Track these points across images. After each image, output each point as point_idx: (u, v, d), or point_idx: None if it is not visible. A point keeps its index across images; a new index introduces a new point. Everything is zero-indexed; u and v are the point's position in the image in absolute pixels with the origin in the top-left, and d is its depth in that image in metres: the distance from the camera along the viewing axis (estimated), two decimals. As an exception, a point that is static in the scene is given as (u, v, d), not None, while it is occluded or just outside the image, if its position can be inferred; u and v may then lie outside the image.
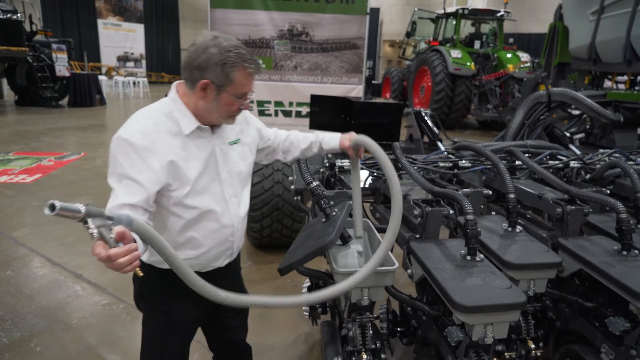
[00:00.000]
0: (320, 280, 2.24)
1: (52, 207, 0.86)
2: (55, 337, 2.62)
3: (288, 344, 2.69)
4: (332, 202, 2.04)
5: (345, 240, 1.95)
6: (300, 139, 1.87)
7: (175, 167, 1.36)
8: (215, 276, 1.55)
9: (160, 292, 1.56)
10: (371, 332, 1.85)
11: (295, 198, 2.63)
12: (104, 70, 20.95)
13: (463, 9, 12.18)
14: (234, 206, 1.54)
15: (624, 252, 1.88)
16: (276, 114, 6.51)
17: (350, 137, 1.78)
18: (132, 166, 1.28)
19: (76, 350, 2.51)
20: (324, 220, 2.00)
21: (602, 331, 1.89)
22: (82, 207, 0.91)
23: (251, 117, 1.71)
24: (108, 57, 21.87)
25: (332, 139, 1.83)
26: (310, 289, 2.49)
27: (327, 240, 1.66)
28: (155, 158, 1.31)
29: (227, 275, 1.67)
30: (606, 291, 1.84)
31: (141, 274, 1.07)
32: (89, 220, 0.94)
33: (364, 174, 2.90)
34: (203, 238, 1.48)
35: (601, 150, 3.12)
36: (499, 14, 12.34)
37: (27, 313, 2.84)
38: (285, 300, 1.44)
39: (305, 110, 7.18)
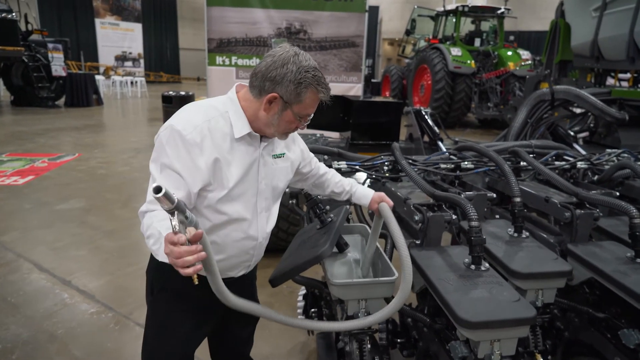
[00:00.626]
0: (316, 289, 2.13)
1: (158, 190, 0.93)
2: (39, 348, 2.50)
3: (283, 353, 2.58)
4: (327, 207, 1.94)
5: (341, 248, 1.84)
6: (335, 182, 1.82)
7: (218, 167, 1.33)
8: (226, 285, 1.48)
9: (169, 291, 1.52)
10: (369, 346, 1.75)
11: (290, 201, 2.52)
12: (101, 69, 20.83)
13: (463, 6, 12.07)
14: (262, 220, 1.51)
15: (638, 260, 1.77)
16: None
17: (379, 199, 1.71)
18: (178, 159, 1.27)
19: (61, 362, 2.40)
20: (318, 227, 1.89)
21: (615, 344, 1.78)
22: (176, 199, 0.97)
23: (297, 136, 1.65)
24: (106, 57, 21.73)
25: (364, 197, 1.77)
26: (305, 297, 2.39)
27: (320, 250, 1.56)
28: (203, 156, 1.29)
29: (239, 287, 1.57)
30: (619, 301, 1.73)
31: (197, 282, 1.09)
32: (176, 213, 0.99)
33: (362, 175, 2.79)
34: (224, 245, 1.44)
35: (608, 150, 3.02)
36: (499, 11, 12.23)
37: (10, 323, 2.72)
38: (302, 323, 1.44)
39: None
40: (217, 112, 1.36)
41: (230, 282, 1.50)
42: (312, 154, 1.76)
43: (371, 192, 1.75)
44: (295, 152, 1.62)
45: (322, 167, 1.81)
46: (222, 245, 1.44)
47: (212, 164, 1.31)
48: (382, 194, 1.72)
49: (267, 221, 1.53)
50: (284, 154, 1.55)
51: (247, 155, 1.40)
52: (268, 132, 1.39)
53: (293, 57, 1.30)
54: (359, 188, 1.79)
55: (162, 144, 1.28)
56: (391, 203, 1.68)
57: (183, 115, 1.32)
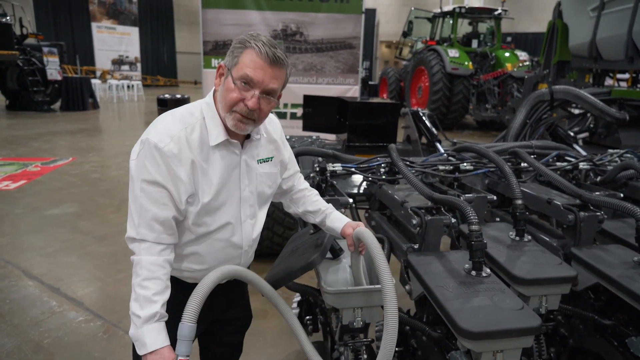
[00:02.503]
0: (310, 296, 2.05)
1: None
2: (24, 359, 2.41)
3: (278, 363, 2.49)
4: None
5: (336, 253, 1.76)
6: (313, 201, 1.65)
7: (196, 177, 1.27)
8: (215, 290, 1.41)
9: None
10: (365, 356, 1.67)
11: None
12: (98, 73, 20.75)
13: (460, 7, 12.05)
14: (247, 228, 1.43)
15: (646, 264, 1.70)
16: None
17: (355, 226, 1.52)
18: (160, 172, 1.22)
19: (46, 374, 2.32)
20: (312, 231, 1.81)
21: (622, 352, 1.70)
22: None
23: (286, 142, 1.56)
24: (102, 61, 21.68)
25: (338, 220, 1.58)
26: (300, 304, 2.30)
27: (312, 257, 1.48)
28: (183, 167, 1.24)
29: (228, 291, 1.53)
30: (626, 307, 1.66)
31: None
32: None
33: (358, 178, 2.72)
34: (207, 255, 1.39)
35: (610, 151, 2.95)
36: (496, 13, 12.21)
37: (-5, 332, 2.63)
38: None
39: (300, 112, 7.00)
40: (194, 119, 1.28)
41: (218, 288, 1.44)
42: (297, 168, 1.65)
43: (347, 218, 1.59)
44: (285, 155, 1.53)
45: (304, 183, 1.70)
46: (205, 255, 1.37)
47: (192, 174, 1.25)
48: (360, 222, 1.57)
49: (252, 228, 1.45)
50: (271, 157, 1.46)
51: (226, 163, 1.32)
52: (222, 115, 1.28)
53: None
54: (335, 211, 1.63)
55: (140, 161, 1.23)
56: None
57: (158, 127, 1.26)
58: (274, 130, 1.50)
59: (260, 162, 1.42)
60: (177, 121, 1.27)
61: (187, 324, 1.16)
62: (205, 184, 1.29)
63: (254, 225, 1.46)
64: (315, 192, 1.70)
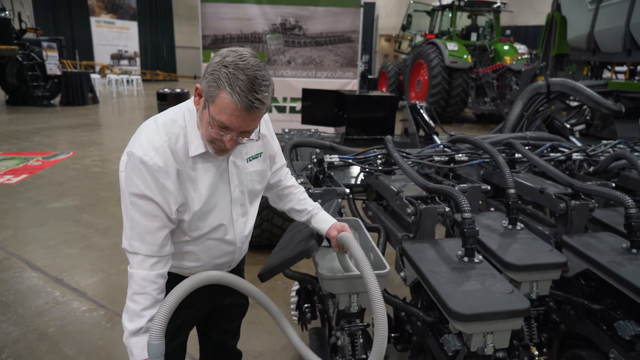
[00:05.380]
0: (309, 284, 2.10)
1: None
2: (29, 347, 2.47)
3: (277, 350, 2.55)
4: (319, 201, 1.91)
5: (332, 241, 1.80)
6: (299, 199, 1.64)
7: (184, 187, 1.27)
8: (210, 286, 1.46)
9: None
10: (361, 340, 1.72)
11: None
12: (97, 68, 20.71)
13: (459, 1, 12.00)
14: (239, 225, 1.44)
15: (634, 250, 1.76)
16: (269, 110, 6.36)
17: (341, 228, 1.54)
18: (147, 186, 1.21)
19: (52, 361, 2.37)
20: (309, 220, 1.85)
21: (611, 335, 1.76)
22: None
23: (274, 135, 1.54)
24: (102, 55, 21.62)
25: (324, 221, 1.58)
26: (299, 292, 2.36)
27: (309, 244, 1.53)
28: (170, 178, 1.23)
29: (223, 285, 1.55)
30: (615, 292, 1.71)
31: None
32: None
33: (355, 169, 2.76)
34: (202, 253, 1.41)
35: (604, 142, 2.99)
36: (495, 6, 12.17)
37: (0, 322, 2.68)
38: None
39: (299, 105, 7.02)
40: (177, 127, 1.26)
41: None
42: (284, 162, 1.64)
43: (333, 219, 1.59)
44: (274, 148, 1.53)
45: (292, 179, 1.69)
46: (200, 253, 1.41)
47: (179, 184, 1.26)
48: (345, 224, 1.57)
49: (244, 225, 1.47)
50: (260, 153, 1.45)
51: (214, 169, 1.32)
52: (201, 137, 1.25)
53: (228, 51, 1.17)
54: (321, 212, 1.63)
55: (128, 175, 1.22)
56: (351, 234, 1.52)
57: (142, 139, 1.23)
58: (262, 124, 1.46)
59: (250, 160, 1.42)
60: (161, 131, 1.25)
61: (154, 342, 1.15)
62: (193, 192, 1.29)
63: (246, 222, 1.47)
64: (302, 189, 1.69)
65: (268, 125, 1.51)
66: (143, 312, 1.25)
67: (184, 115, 1.29)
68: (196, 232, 1.36)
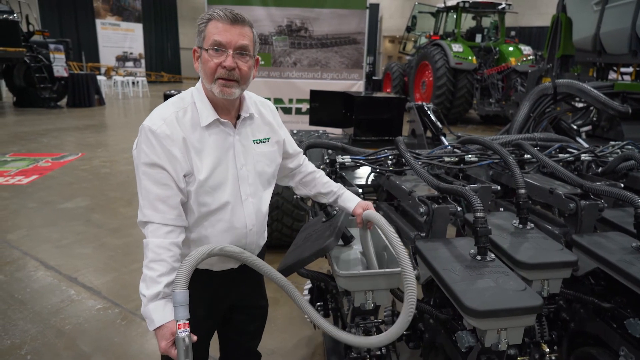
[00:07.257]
0: (322, 282, 2.14)
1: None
2: (47, 343, 2.52)
3: (289, 348, 2.59)
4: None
5: (347, 240, 1.85)
6: (323, 182, 1.75)
7: (189, 157, 1.34)
8: (228, 277, 1.52)
9: None
10: (376, 337, 1.75)
11: (294, 196, 2.53)
12: (103, 70, 20.85)
13: (464, 2, 12.02)
14: (249, 207, 1.47)
15: (644, 250, 1.77)
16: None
17: (366, 206, 1.66)
18: (156, 154, 1.29)
19: (69, 357, 2.42)
20: (324, 219, 1.90)
21: (621, 333, 1.78)
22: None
23: (282, 125, 1.63)
24: (107, 57, 21.79)
25: (349, 200, 1.70)
26: (311, 290, 2.39)
27: (326, 242, 1.57)
28: (176, 146, 1.31)
29: (243, 278, 1.59)
30: (625, 291, 1.73)
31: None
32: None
33: (366, 170, 2.80)
34: (213, 237, 1.43)
35: (612, 143, 3.01)
36: (500, 7, 12.19)
37: (18, 319, 2.74)
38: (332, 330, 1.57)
39: (305, 107, 7.07)
40: (185, 103, 1.38)
41: (231, 274, 1.53)
42: (300, 150, 1.72)
43: (358, 198, 1.71)
44: (281, 136, 1.59)
45: (311, 166, 1.78)
46: (211, 237, 1.42)
47: (185, 152, 1.33)
48: (369, 202, 1.68)
49: (255, 207, 1.49)
50: (268, 138, 1.53)
51: (219, 144, 1.39)
52: (207, 88, 1.37)
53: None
54: (346, 192, 1.74)
55: (139, 146, 1.32)
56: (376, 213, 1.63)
57: (153, 113, 1.36)
58: (268, 113, 1.56)
59: (257, 142, 1.49)
60: (170, 105, 1.37)
61: (178, 290, 1.18)
62: (199, 162, 1.35)
63: (258, 204, 1.50)
64: (323, 173, 1.78)
65: (275, 115, 1.60)
66: (159, 279, 1.26)
67: (192, 93, 1.41)
68: (204, 208, 1.38)
